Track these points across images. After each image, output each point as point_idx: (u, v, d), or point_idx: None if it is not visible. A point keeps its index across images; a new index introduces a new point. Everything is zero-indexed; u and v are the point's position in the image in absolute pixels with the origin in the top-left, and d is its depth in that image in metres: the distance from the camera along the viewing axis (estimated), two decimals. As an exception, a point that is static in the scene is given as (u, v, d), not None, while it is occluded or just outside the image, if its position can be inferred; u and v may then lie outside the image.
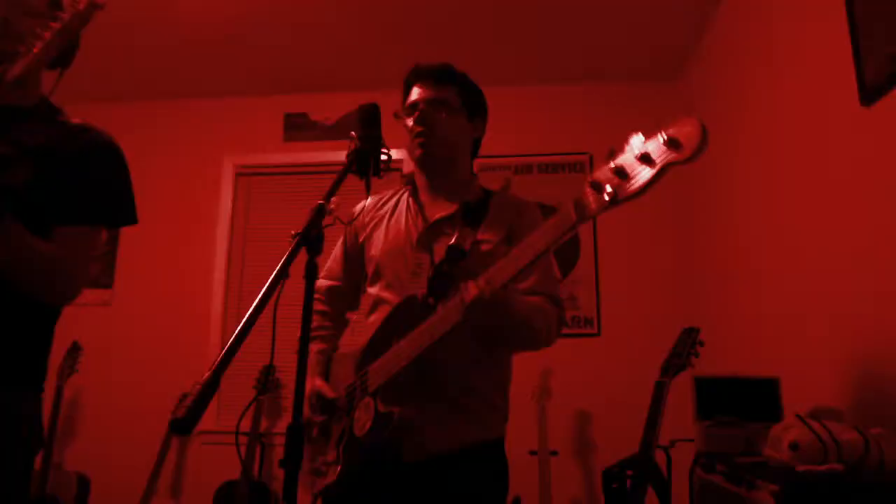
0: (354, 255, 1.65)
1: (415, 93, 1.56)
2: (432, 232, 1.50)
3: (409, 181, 1.63)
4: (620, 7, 3.10)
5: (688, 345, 2.14)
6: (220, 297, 3.74)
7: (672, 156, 0.89)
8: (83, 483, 3.27)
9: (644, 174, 0.92)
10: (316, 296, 1.64)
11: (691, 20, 3.18)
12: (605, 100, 3.75)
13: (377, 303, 1.53)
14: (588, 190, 1.00)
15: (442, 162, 1.56)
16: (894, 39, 1.65)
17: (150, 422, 3.18)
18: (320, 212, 1.04)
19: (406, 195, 1.62)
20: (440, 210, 1.53)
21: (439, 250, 1.45)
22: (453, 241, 1.42)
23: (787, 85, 2.36)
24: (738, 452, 1.78)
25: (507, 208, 1.54)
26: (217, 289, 3.76)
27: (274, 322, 1.49)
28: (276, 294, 0.93)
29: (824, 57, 2.05)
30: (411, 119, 1.53)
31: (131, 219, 1.33)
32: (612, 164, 0.96)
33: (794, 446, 1.45)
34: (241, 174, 3.96)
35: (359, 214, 1.63)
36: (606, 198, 0.96)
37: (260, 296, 0.88)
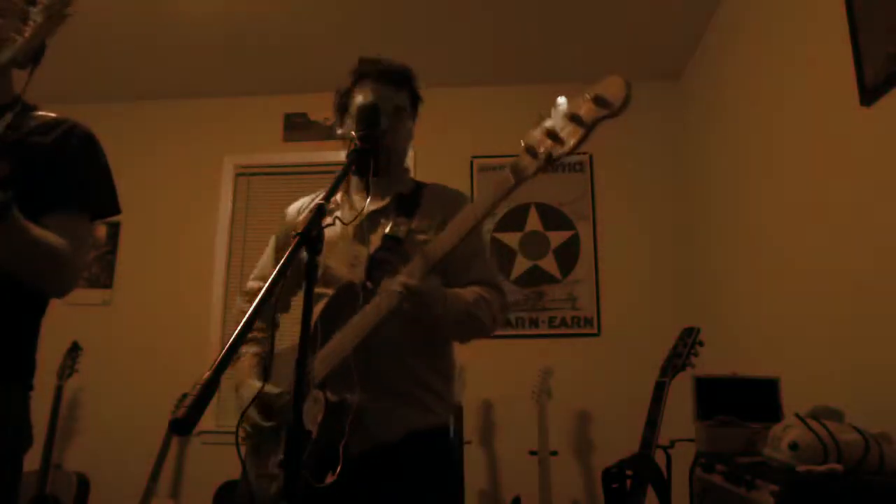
0: None
1: (375, 92, 1.51)
2: (367, 224, 1.50)
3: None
4: (621, 7, 3.11)
5: (688, 345, 2.15)
6: (220, 296, 3.74)
7: (601, 112, 0.95)
8: (83, 483, 3.27)
9: (576, 133, 0.99)
10: (246, 298, 1.65)
11: (691, 20, 3.18)
12: (605, 100, 3.74)
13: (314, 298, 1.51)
14: (524, 154, 1.07)
15: (389, 168, 1.53)
16: (894, 39, 1.65)
17: (150, 422, 3.18)
18: (320, 212, 1.03)
19: (339, 192, 1.61)
20: (374, 203, 1.53)
21: (375, 241, 1.46)
22: (388, 229, 1.42)
23: (788, 85, 2.36)
24: (738, 452, 1.77)
25: (440, 198, 1.55)
26: (217, 289, 3.76)
27: (273, 322, 1.49)
28: (275, 294, 0.92)
29: (824, 57, 2.05)
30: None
31: (114, 209, 1.33)
32: (544, 127, 1.03)
33: (793, 446, 1.45)
34: (241, 174, 3.96)
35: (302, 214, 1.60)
36: (542, 159, 1.03)
37: (259, 296, 0.87)
